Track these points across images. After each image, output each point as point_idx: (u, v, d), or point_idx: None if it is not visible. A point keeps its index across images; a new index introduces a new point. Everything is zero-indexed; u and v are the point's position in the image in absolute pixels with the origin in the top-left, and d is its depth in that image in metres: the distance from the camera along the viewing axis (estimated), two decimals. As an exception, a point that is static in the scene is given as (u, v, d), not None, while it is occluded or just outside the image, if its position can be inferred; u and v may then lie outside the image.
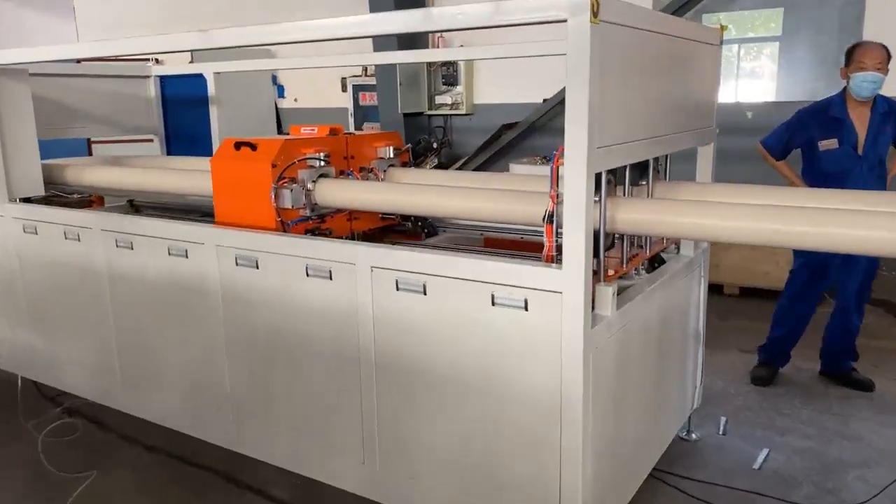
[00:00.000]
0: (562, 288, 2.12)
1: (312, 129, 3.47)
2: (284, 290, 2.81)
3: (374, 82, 8.91)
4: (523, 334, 2.23)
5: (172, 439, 3.47)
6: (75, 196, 4.36)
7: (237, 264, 2.94)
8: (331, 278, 2.66)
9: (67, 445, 3.64)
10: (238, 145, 3.17)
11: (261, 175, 3.04)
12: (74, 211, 3.64)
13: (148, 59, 8.25)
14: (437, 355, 2.45)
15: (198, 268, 3.07)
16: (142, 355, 3.45)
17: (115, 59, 6.70)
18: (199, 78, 5.02)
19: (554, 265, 2.21)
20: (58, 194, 4.26)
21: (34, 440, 3.66)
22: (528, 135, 7.88)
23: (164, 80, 5.26)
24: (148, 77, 5.18)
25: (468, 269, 2.31)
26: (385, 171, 3.60)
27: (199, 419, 3.31)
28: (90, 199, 5.25)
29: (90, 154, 10.08)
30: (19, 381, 3.85)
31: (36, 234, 3.70)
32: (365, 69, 9.09)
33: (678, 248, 3.21)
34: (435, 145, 8.42)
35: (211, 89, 4.94)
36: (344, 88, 9.38)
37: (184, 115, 5.28)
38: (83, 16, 11.55)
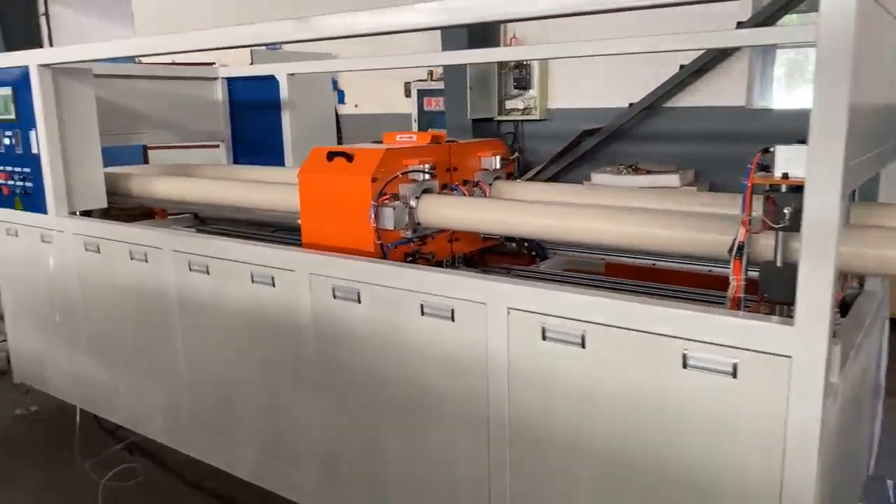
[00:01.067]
0: (793, 350, 1.58)
1: (410, 137, 3.00)
2: (393, 329, 2.33)
3: (440, 87, 8.46)
4: (726, 409, 1.69)
5: (246, 489, 3.03)
6: (134, 208, 4.01)
7: (335, 296, 2.48)
8: (453, 319, 2.17)
9: (129, 492, 3.23)
10: (331, 155, 2.72)
11: (359, 190, 2.58)
12: (142, 228, 3.22)
13: (213, 63, 7.95)
14: (600, 430, 1.92)
15: (287, 298, 2.61)
16: (215, 395, 3.01)
17: (177, 62, 6.36)
18: (271, 81, 4.61)
19: (774, 317, 1.67)
20: (116, 206, 3.90)
21: (94, 485, 3.26)
22: (610, 142, 7.32)
23: (231, 82, 4.87)
24: (215, 79, 4.80)
25: (649, 318, 1.79)
26: (491, 184, 3.11)
27: (278, 472, 2.85)
28: (151, 211, 4.89)
29: (146, 161, 9.86)
30: (78, 415, 3.47)
31: (98, 252, 3.30)
32: (430, 73, 8.65)
33: (861, 283, 2.63)
34: (506, 153, 7.90)
35: (283, 92, 4.53)
36: (407, 94, 8.95)
37: (251, 120, 4.88)
38: (141, 20, 11.41)
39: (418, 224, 2.70)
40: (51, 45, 12.81)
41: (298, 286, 2.56)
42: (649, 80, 6.93)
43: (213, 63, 7.07)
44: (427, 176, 2.75)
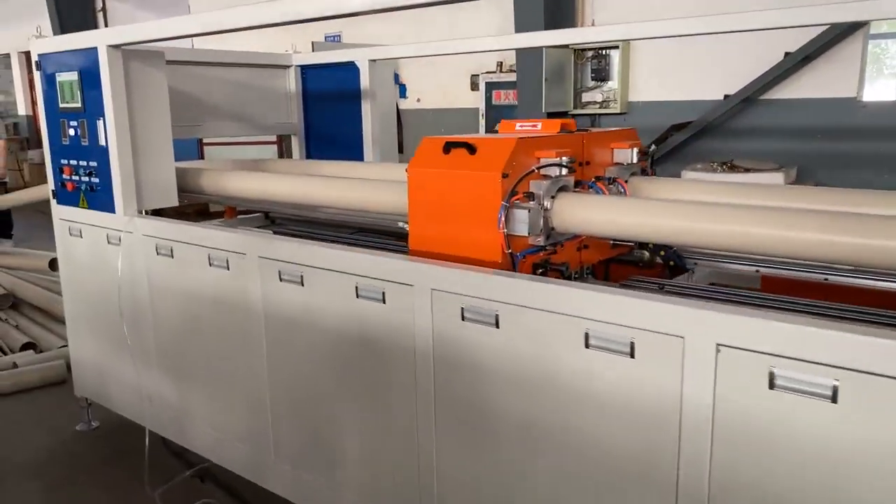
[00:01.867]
0: None
1: (534, 125, 2.54)
2: (545, 361, 1.87)
3: (511, 79, 7.99)
4: None
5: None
6: (187, 205, 3.65)
7: (463, 318, 2.03)
8: (632, 355, 1.70)
9: (204, 530, 2.85)
10: (448, 146, 2.27)
11: (486, 188, 2.14)
12: (223, 230, 2.82)
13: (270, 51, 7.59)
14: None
15: (400, 318, 2.17)
16: (306, 424, 2.60)
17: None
18: (348, 69, 4.20)
19: None
20: (184, 204, 3.55)
21: (164, 519, 2.89)
22: (699, 137, 6.75)
23: (305, 71, 4.48)
24: (288, 67, 4.41)
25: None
26: (627, 180, 2.63)
27: (381, 518, 2.43)
28: (206, 209, 4.53)
29: (201, 156, 9.59)
30: (146, 438, 3.10)
31: (171, 256, 2.93)
32: (500, 65, 8.18)
33: None
34: (582, 149, 7.39)
35: (364, 81, 4.11)
36: (473, 87, 8.50)
37: (325, 111, 4.48)
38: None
39: (552, 229, 2.24)
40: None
41: (417, 304, 2.11)
42: (747, 69, 6.35)
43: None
44: (564, 171, 2.29)
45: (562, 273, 2.32)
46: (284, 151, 10.40)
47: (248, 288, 2.63)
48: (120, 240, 3.14)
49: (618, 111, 7.33)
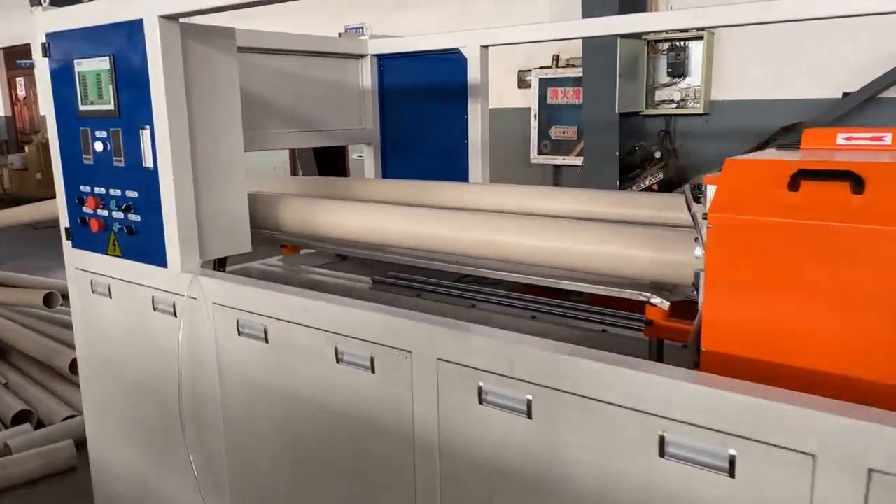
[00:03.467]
0: None
1: (877, 138, 1.58)
2: None
3: (570, 74, 7.03)
4: None
5: None
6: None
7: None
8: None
9: None
10: (800, 177, 1.31)
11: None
12: (363, 309, 1.76)
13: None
14: None
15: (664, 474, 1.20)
16: None
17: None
18: (446, 59, 3.21)
19: None
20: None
21: None
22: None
23: (383, 61, 3.48)
24: (362, 57, 3.41)
25: None
26: None
27: None
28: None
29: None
30: None
31: (265, 340, 1.91)
32: (555, 59, 7.20)
33: None
34: (658, 154, 6.46)
35: (474, 73, 3.11)
36: (522, 84, 7.52)
37: (408, 113, 3.48)
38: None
39: None
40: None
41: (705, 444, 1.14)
42: (862, 63, 5.45)
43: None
44: None
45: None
46: (298, 164, 9.25)
47: (418, 410, 1.61)
48: (175, 308, 2.12)
49: (699, 111, 6.39)
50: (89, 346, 2.54)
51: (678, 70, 6.45)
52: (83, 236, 2.37)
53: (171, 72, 1.97)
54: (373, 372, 1.68)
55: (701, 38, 6.23)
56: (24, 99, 14.65)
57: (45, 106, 2.38)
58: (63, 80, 2.28)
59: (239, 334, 1.96)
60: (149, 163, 2.06)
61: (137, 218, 2.15)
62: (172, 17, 1.95)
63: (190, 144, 2.05)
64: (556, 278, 1.90)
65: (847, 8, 2.17)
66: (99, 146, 2.19)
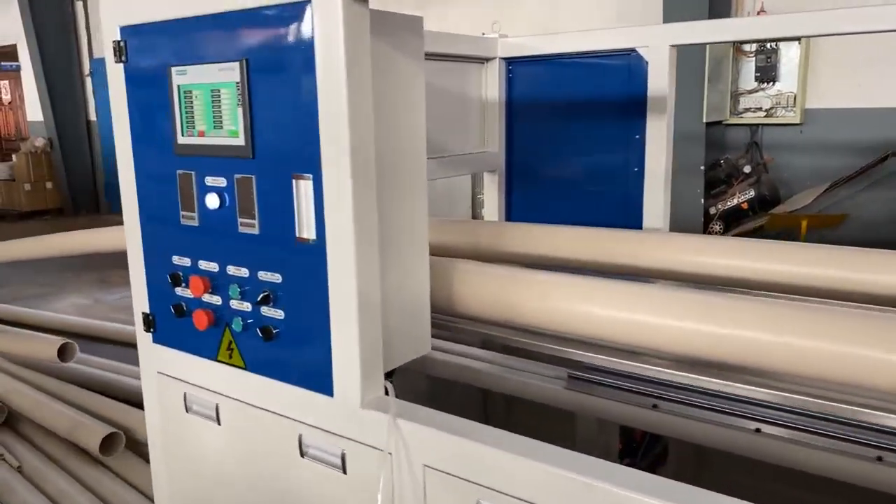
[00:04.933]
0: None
1: None
2: None
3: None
4: None
5: None
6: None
7: None
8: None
9: None
10: None
11: None
12: None
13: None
14: None
15: None
16: None
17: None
18: (614, 65, 2.47)
19: None
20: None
21: None
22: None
23: (512, 66, 2.71)
24: (488, 61, 2.65)
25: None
26: None
27: None
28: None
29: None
30: None
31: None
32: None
33: None
34: (747, 170, 5.74)
35: (659, 80, 2.36)
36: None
37: (545, 133, 2.72)
38: None
39: None
40: (88, 36, 10.67)
41: None
42: None
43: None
44: None
45: None
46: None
47: None
48: (344, 460, 1.33)
49: (794, 121, 5.69)
50: (176, 482, 1.74)
51: (768, 75, 5.75)
52: (175, 330, 1.58)
53: (357, 87, 1.19)
54: None
55: (797, 39, 5.53)
56: (10, 103, 13.66)
57: (118, 132, 1.58)
58: (148, 96, 1.50)
59: (479, 523, 1.18)
60: (307, 232, 1.28)
61: (279, 314, 1.36)
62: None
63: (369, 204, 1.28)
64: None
65: None
66: (213, 201, 1.40)
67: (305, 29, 1.20)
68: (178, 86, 1.41)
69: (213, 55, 1.35)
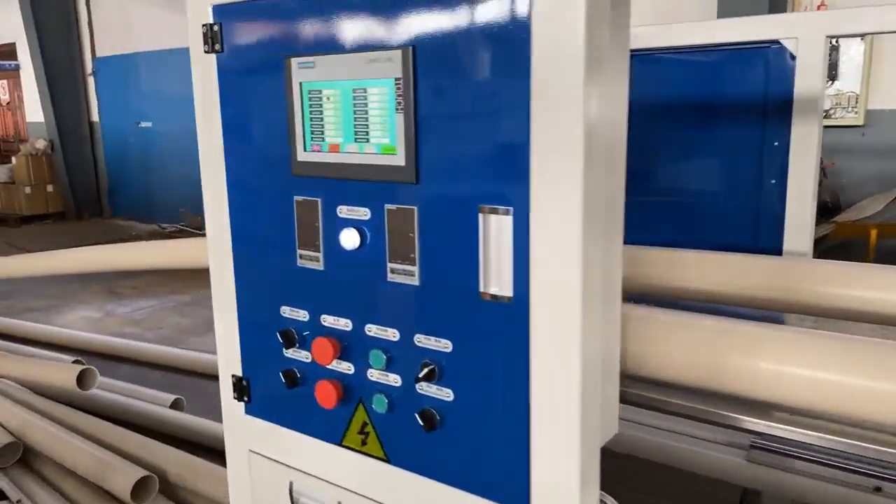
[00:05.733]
0: None
1: None
2: None
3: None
4: None
5: None
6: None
7: None
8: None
9: None
10: None
11: None
12: None
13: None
14: None
15: None
16: None
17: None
18: (748, 58, 2.11)
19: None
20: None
21: None
22: None
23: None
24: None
25: None
26: None
27: None
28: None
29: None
30: None
31: None
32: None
33: None
34: (805, 175, 5.38)
35: (808, 78, 2.00)
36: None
37: (647, 136, 2.37)
38: None
39: None
40: (91, 34, 10.26)
41: None
42: None
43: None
44: None
45: None
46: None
47: None
48: None
49: (857, 122, 5.34)
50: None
51: (828, 73, 5.40)
52: (280, 401, 1.21)
53: (596, 85, 0.83)
54: None
55: (860, 35, 5.18)
56: (9, 104, 13.22)
57: (204, 145, 1.22)
58: (251, 98, 1.13)
59: None
60: (499, 286, 0.92)
61: (447, 394, 1.00)
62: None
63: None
64: None
65: None
66: (350, 238, 1.03)
67: (517, 4, 0.84)
68: (301, 83, 1.05)
69: (359, 41, 0.98)
